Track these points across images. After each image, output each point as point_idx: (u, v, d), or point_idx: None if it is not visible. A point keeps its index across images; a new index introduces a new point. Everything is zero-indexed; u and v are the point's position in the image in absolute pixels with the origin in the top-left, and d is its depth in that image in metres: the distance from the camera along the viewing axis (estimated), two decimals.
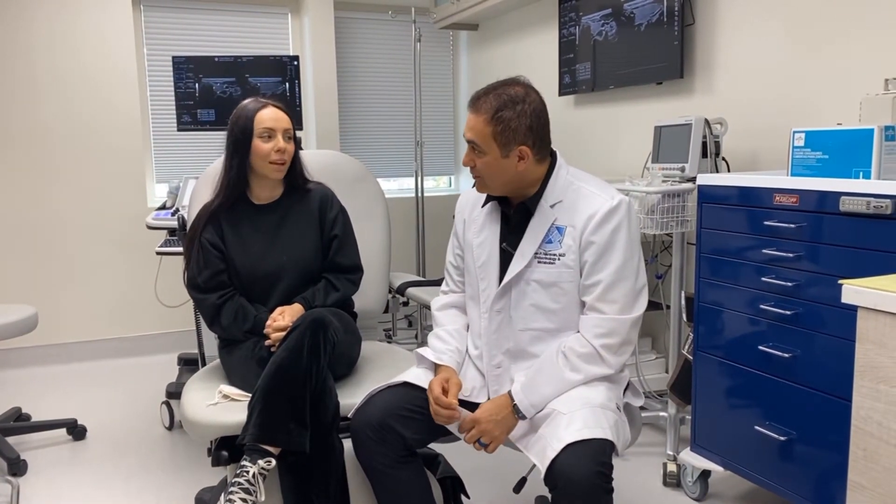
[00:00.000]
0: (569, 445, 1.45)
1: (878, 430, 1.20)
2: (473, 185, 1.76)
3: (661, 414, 2.66)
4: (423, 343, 2.30)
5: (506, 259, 1.71)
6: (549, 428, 1.54)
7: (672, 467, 2.40)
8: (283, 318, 1.90)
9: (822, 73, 2.40)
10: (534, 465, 1.54)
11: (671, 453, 2.50)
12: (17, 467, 2.56)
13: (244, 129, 1.96)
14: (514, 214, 1.71)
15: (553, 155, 1.71)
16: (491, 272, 1.73)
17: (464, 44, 4.82)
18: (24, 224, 3.82)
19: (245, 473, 1.63)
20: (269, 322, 1.90)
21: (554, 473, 1.45)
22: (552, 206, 1.66)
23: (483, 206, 1.78)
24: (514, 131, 1.60)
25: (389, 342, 3.53)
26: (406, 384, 1.74)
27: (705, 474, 2.29)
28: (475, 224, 1.79)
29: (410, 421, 1.69)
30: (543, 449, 1.50)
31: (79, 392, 3.46)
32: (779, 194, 1.92)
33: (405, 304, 3.60)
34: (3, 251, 3.79)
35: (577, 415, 1.52)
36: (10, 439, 2.77)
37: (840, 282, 1.26)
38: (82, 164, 3.89)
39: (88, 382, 3.61)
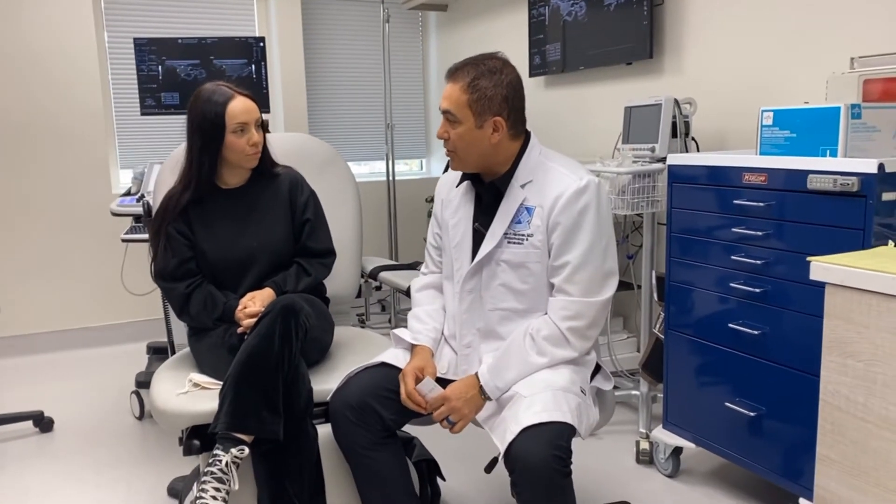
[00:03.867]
0: (527, 429, 1.45)
1: (845, 404, 1.22)
2: (445, 169, 1.75)
3: (634, 393, 2.69)
4: (397, 327, 2.28)
5: (479, 239, 1.71)
6: (510, 411, 1.55)
7: (645, 445, 2.43)
8: (254, 303, 1.87)
9: (789, 52, 2.41)
10: None
11: (644, 431, 2.53)
12: None
13: (215, 125, 1.86)
14: (485, 194, 1.71)
15: (527, 135, 1.70)
16: (464, 252, 1.73)
17: (433, 25, 4.78)
18: None
19: (218, 462, 1.61)
20: (239, 308, 1.88)
21: (511, 457, 1.46)
22: (522, 186, 1.66)
23: (458, 186, 1.77)
24: (490, 100, 1.60)
25: (363, 327, 3.51)
26: (384, 365, 1.75)
27: (677, 451, 2.32)
28: (451, 204, 1.79)
29: (389, 401, 1.69)
30: (503, 432, 1.50)
31: (45, 383, 3.39)
32: (748, 173, 1.93)
33: (378, 288, 3.58)
34: None
35: (537, 398, 1.52)
36: None
37: (808, 259, 1.27)
38: (43, 151, 3.79)
39: (55, 373, 3.54)
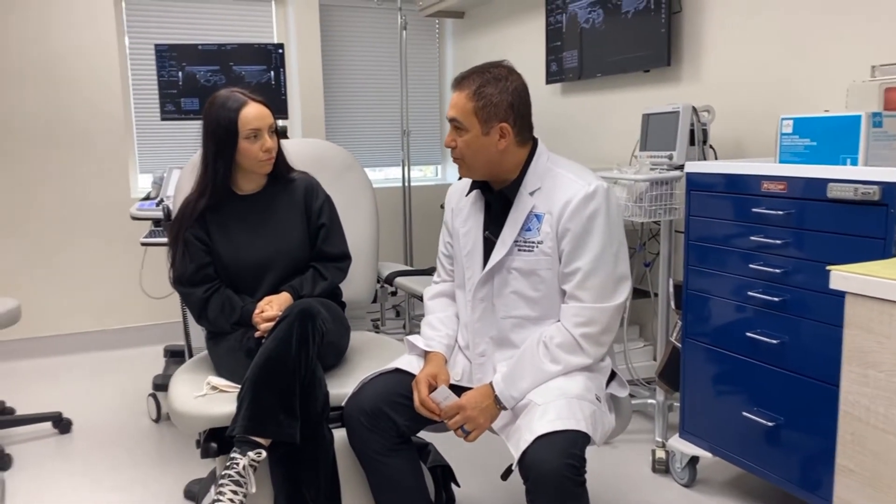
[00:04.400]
0: (540, 437, 1.45)
1: (865, 415, 1.21)
2: (461, 177, 1.75)
3: (650, 401, 2.67)
4: (411, 332, 2.29)
5: (489, 247, 1.71)
6: (525, 419, 1.54)
7: (661, 454, 2.41)
8: (272, 307, 1.88)
9: (809, 60, 2.40)
10: None
11: (660, 440, 2.51)
12: (2, 461, 2.53)
13: (228, 131, 1.88)
14: (494, 202, 1.72)
15: (535, 142, 1.71)
16: (475, 261, 1.73)
17: (449, 32, 4.79)
18: (6, 215, 3.76)
19: (235, 465, 1.62)
20: (256, 312, 1.89)
21: (525, 465, 1.45)
22: (531, 194, 1.66)
23: (467, 195, 1.78)
24: (496, 107, 1.60)
25: (377, 332, 3.52)
26: (398, 371, 1.75)
27: (694, 460, 2.30)
28: (462, 213, 1.79)
29: (403, 407, 1.69)
30: (518, 440, 1.50)
31: (64, 385, 3.43)
32: (767, 181, 1.92)
33: (394, 293, 3.58)
34: None
35: (551, 406, 1.52)
36: None
37: (828, 268, 1.26)
38: (64, 154, 3.84)
39: (73, 375, 3.58)
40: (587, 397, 1.58)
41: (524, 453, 1.45)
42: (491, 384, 1.63)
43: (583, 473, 1.46)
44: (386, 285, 3.34)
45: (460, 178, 1.80)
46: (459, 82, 1.65)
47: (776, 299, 1.91)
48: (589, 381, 1.62)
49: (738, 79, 2.66)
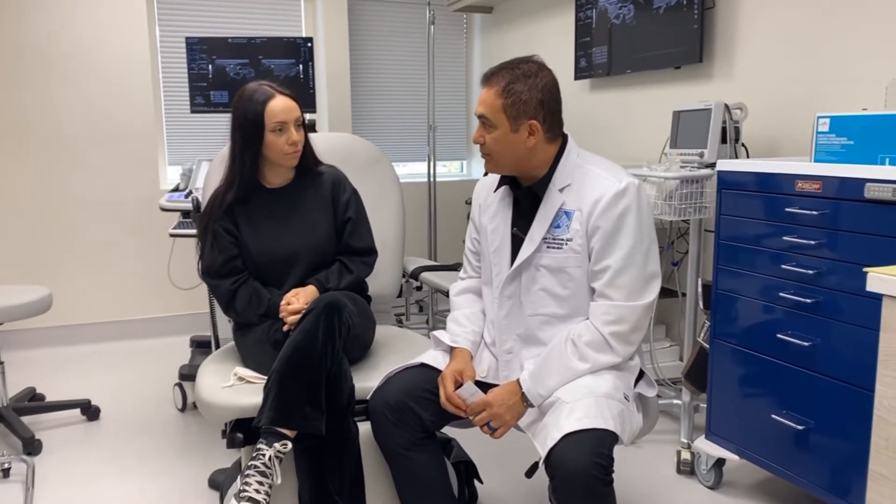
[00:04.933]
0: (568, 435, 1.44)
1: None
2: (487, 172, 1.74)
3: (676, 402, 2.64)
4: (435, 328, 2.29)
5: (518, 244, 1.70)
6: (552, 416, 1.53)
7: (686, 455, 2.39)
8: (298, 300, 1.89)
9: (845, 57, 2.35)
10: None
11: (685, 441, 2.49)
12: (32, 447, 2.58)
13: (255, 124, 1.89)
14: (523, 199, 1.70)
15: (565, 138, 1.69)
16: (503, 257, 1.72)
17: (477, 27, 4.78)
18: (38, 206, 3.83)
19: (261, 457, 1.63)
20: (282, 304, 1.90)
21: (552, 463, 1.44)
22: (560, 190, 1.65)
23: (496, 191, 1.77)
24: (525, 104, 1.59)
25: (401, 327, 3.53)
26: (423, 366, 1.75)
27: (720, 462, 2.27)
28: (489, 209, 1.78)
29: (428, 402, 1.69)
30: (545, 438, 1.49)
31: (92, 373, 3.49)
32: (801, 181, 1.89)
33: (419, 288, 3.59)
34: (17, 233, 3.81)
35: (579, 404, 1.51)
36: (25, 419, 2.79)
37: (865, 269, 1.24)
38: (95, 146, 3.89)
39: (102, 364, 3.63)
40: (615, 396, 1.56)
41: (551, 451, 1.44)
42: (518, 381, 1.62)
43: (610, 473, 1.44)
44: (411, 280, 3.34)
45: (486, 174, 1.79)
46: (488, 78, 1.63)
47: (808, 301, 1.88)
48: (617, 380, 1.61)
49: (772, 76, 2.61)
